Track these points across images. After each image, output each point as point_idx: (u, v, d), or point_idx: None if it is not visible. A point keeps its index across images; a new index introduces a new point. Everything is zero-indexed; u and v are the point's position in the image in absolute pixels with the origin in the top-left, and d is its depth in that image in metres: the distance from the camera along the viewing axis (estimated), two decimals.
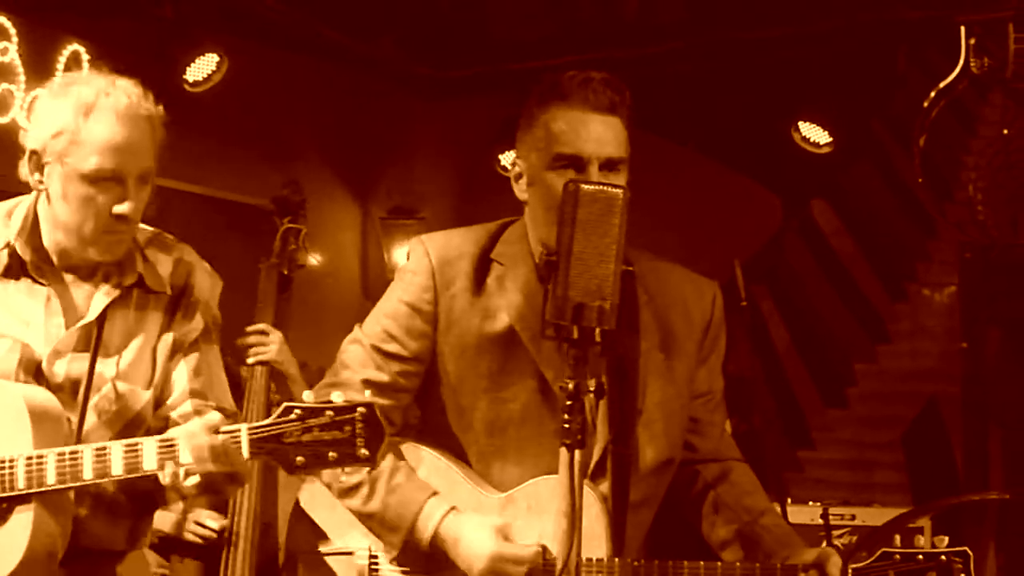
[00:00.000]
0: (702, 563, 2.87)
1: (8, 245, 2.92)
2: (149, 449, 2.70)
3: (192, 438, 2.66)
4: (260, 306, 4.77)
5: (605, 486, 2.92)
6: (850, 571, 2.83)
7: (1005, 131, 6.40)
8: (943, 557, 2.79)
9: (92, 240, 2.87)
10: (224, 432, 2.63)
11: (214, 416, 2.73)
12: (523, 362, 2.97)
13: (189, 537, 4.63)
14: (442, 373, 3.01)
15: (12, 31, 6.37)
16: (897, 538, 2.85)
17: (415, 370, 3.03)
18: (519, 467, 2.97)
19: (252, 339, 4.64)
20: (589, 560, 2.83)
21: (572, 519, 2.50)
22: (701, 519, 3.11)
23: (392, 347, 3.02)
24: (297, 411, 2.55)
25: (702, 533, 3.12)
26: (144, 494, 2.99)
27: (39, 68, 6.45)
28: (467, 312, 3.00)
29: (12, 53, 6.37)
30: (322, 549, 3.12)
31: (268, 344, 4.63)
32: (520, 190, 3.04)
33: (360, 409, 2.53)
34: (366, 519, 3.00)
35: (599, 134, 2.94)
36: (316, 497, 3.16)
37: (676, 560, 2.87)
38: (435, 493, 2.95)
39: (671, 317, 3.05)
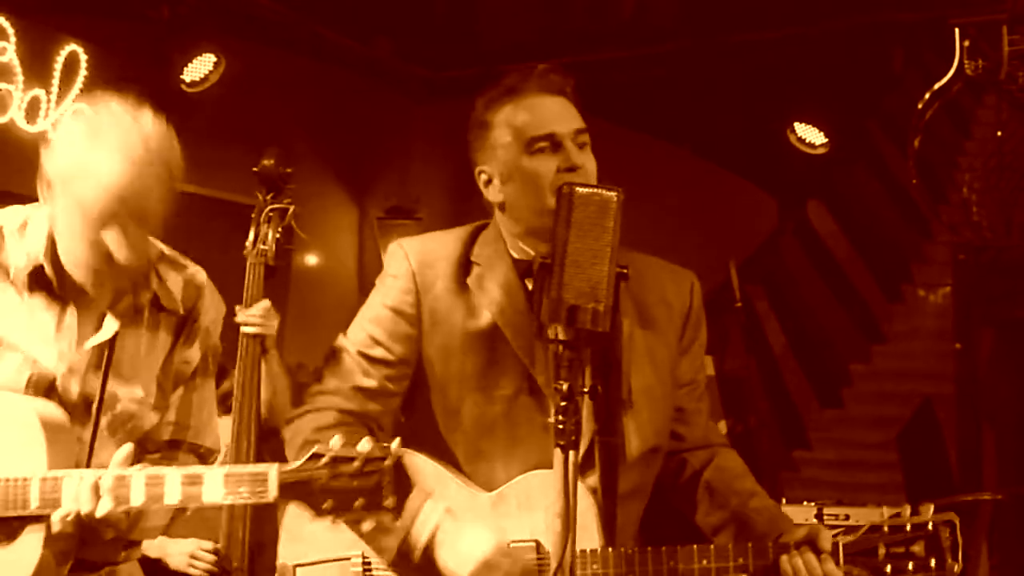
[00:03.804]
0: (695, 546, 2.89)
1: (37, 263, 2.89)
2: (172, 481, 2.68)
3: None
4: (246, 301, 4.32)
5: (593, 478, 2.93)
6: (841, 547, 2.86)
7: (999, 132, 6.42)
8: (930, 526, 2.82)
9: (87, 270, 2.85)
10: (253, 475, 2.62)
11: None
12: (508, 358, 2.98)
13: (192, 572, 4.48)
14: (428, 375, 3.02)
15: (10, 31, 6.38)
16: (884, 510, 2.87)
17: (402, 373, 3.03)
18: (508, 463, 2.98)
19: (253, 318, 4.29)
20: (583, 551, 2.85)
21: (566, 521, 2.52)
22: (693, 507, 3.12)
23: (378, 352, 3.02)
24: (327, 458, 2.57)
25: (694, 521, 3.13)
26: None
27: (37, 68, 6.47)
28: (450, 313, 3.01)
29: (10, 53, 6.38)
30: (316, 557, 3.12)
31: (269, 321, 4.32)
32: (494, 193, 3.04)
33: (389, 460, 2.55)
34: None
35: (561, 112, 2.98)
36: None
37: (669, 546, 2.89)
38: (430, 496, 2.97)
39: (651, 307, 3.06)
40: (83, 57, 6.59)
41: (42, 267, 2.88)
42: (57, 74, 6.55)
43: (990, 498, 6.12)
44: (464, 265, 3.04)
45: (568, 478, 2.53)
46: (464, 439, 3.02)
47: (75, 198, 2.79)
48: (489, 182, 3.05)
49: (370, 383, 3.02)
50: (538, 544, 2.90)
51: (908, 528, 2.83)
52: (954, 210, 7.75)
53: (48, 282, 2.89)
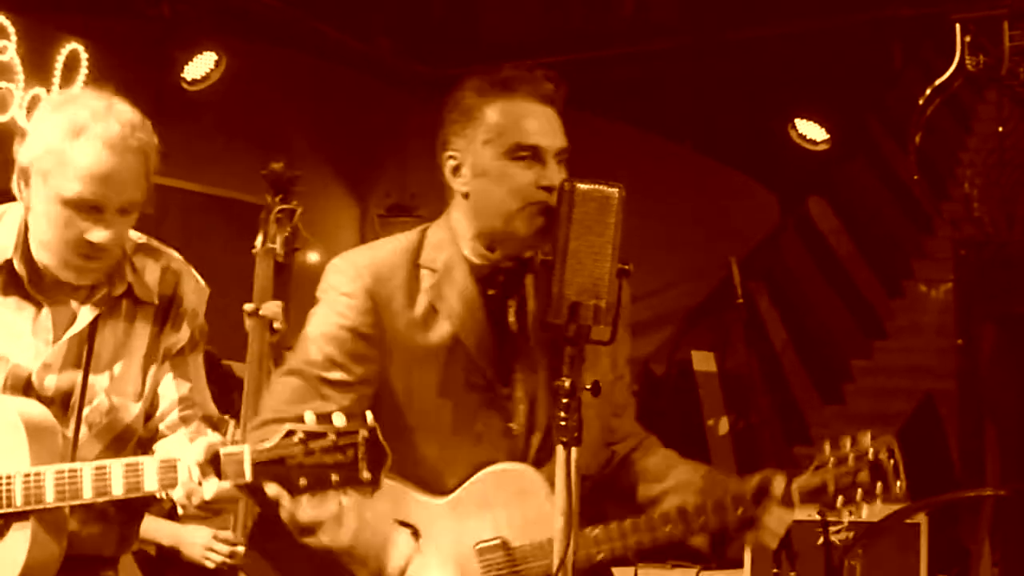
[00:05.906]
0: (656, 515, 2.92)
1: (7, 262, 2.89)
2: (150, 469, 2.68)
3: (193, 461, 2.63)
4: (256, 295, 4.39)
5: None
6: (795, 490, 2.90)
7: (1000, 128, 6.43)
8: (871, 454, 2.88)
9: (66, 263, 2.84)
10: (226, 455, 2.60)
11: (213, 437, 2.68)
12: (470, 368, 2.94)
13: (207, 564, 4.47)
14: (389, 392, 2.95)
15: (11, 30, 6.39)
16: (826, 446, 2.95)
17: (362, 393, 2.93)
18: (468, 469, 2.94)
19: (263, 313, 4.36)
20: (550, 540, 2.76)
21: (569, 517, 2.52)
22: (631, 488, 3.10)
23: (337, 375, 2.92)
24: (300, 434, 2.53)
25: (635, 501, 3.10)
26: (133, 501, 3.00)
27: (38, 67, 6.47)
28: (409, 327, 2.94)
29: (11, 52, 6.39)
30: None
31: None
32: (461, 183, 3.01)
33: (362, 432, 2.52)
34: (331, 555, 2.92)
35: (551, 126, 2.94)
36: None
37: (634, 519, 2.90)
38: (397, 525, 2.90)
39: None
40: (84, 56, 6.59)
41: (11, 262, 2.88)
42: (58, 73, 6.55)
43: (993, 494, 6.12)
44: (415, 272, 2.98)
45: (570, 474, 2.54)
46: (428, 448, 2.96)
47: (54, 188, 2.80)
48: (457, 169, 3.02)
49: (329, 408, 2.86)
50: (504, 541, 2.88)
51: (851, 462, 2.89)
52: (955, 205, 7.75)
53: (19, 280, 2.88)
